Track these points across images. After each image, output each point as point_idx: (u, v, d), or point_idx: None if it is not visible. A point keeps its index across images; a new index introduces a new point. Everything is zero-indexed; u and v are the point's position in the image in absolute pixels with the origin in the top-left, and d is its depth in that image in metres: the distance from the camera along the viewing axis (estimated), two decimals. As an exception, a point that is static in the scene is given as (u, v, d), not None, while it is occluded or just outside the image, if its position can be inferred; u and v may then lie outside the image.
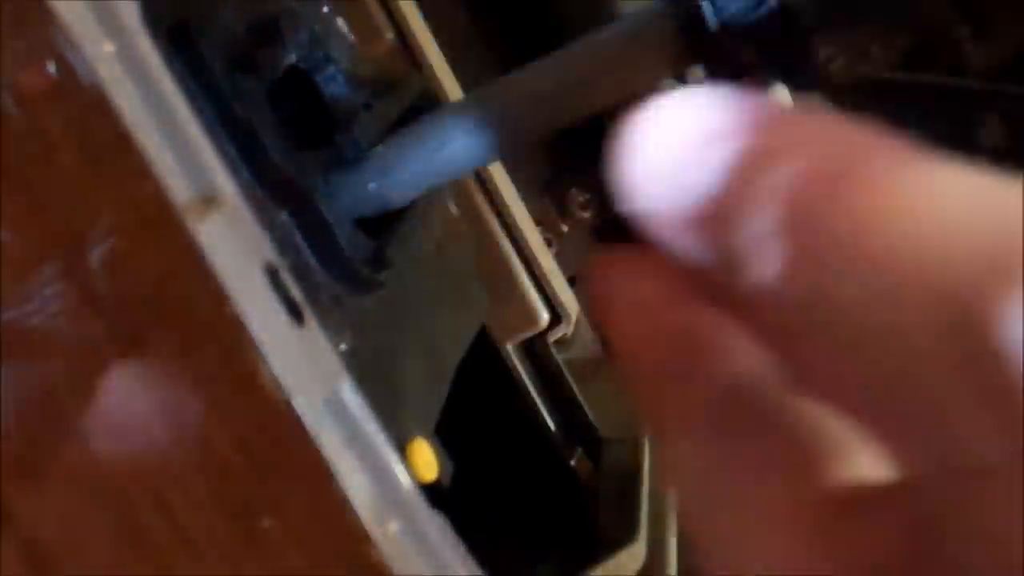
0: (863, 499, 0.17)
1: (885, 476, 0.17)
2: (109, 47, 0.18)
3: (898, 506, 0.16)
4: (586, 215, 0.49)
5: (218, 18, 0.25)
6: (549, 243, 0.48)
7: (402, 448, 0.25)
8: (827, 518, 0.17)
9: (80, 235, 0.18)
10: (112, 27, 0.18)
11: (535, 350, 0.43)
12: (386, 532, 0.19)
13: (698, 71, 0.25)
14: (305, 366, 0.18)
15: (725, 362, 0.18)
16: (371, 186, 0.26)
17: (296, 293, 0.19)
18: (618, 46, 0.25)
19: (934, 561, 0.16)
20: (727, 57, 0.22)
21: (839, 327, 0.16)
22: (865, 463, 0.17)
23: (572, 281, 0.48)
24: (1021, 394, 0.14)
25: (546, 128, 0.26)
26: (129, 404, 0.18)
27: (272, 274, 0.19)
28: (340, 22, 0.32)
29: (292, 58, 0.27)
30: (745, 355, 0.18)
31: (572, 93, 0.25)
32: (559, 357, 0.43)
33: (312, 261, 0.25)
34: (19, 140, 0.18)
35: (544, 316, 0.42)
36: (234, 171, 0.22)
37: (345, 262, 0.25)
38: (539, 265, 0.42)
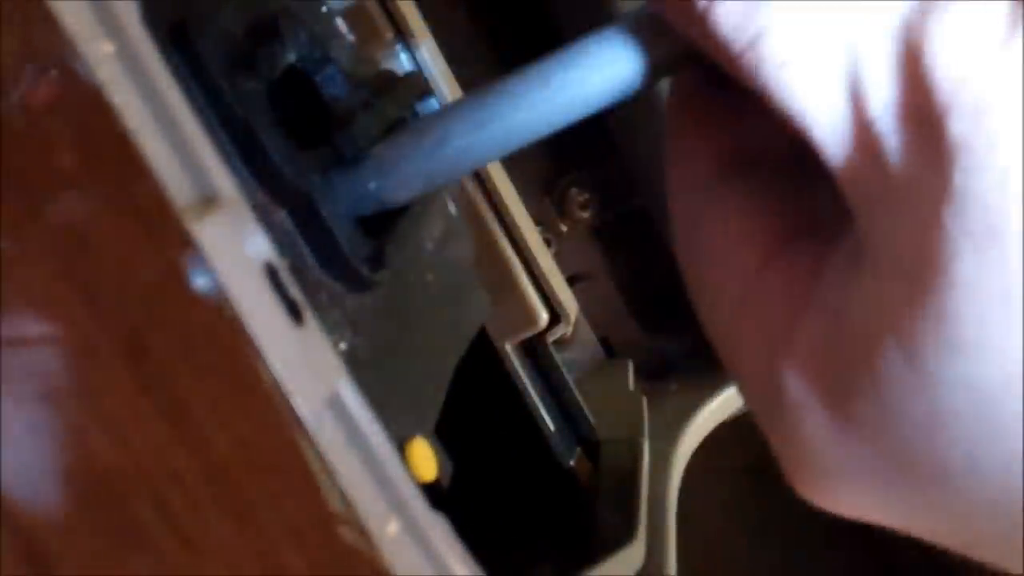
0: (798, 241, 0.23)
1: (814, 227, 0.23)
2: (109, 47, 0.18)
3: (820, 245, 0.22)
4: (586, 215, 0.49)
5: (218, 18, 0.25)
6: (549, 243, 0.48)
7: (402, 448, 0.25)
8: (775, 246, 0.23)
9: (80, 236, 0.18)
10: (112, 27, 0.18)
11: (534, 350, 0.43)
12: (386, 532, 0.19)
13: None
14: (305, 366, 0.18)
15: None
16: (371, 186, 0.26)
17: (296, 293, 0.19)
18: (616, 45, 0.25)
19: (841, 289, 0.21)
20: None
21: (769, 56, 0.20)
22: (806, 212, 0.23)
23: (572, 281, 0.48)
24: (942, 112, 0.19)
25: (546, 128, 0.26)
26: (128, 404, 0.18)
27: (272, 274, 0.19)
28: (340, 22, 0.32)
29: (291, 58, 0.27)
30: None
31: (573, 92, 0.25)
32: (558, 357, 0.43)
33: (312, 261, 0.25)
34: (19, 140, 0.18)
35: (543, 316, 0.42)
36: (234, 171, 0.22)
37: (345, 262, 0.25)
38: (538, 265, 0.42)
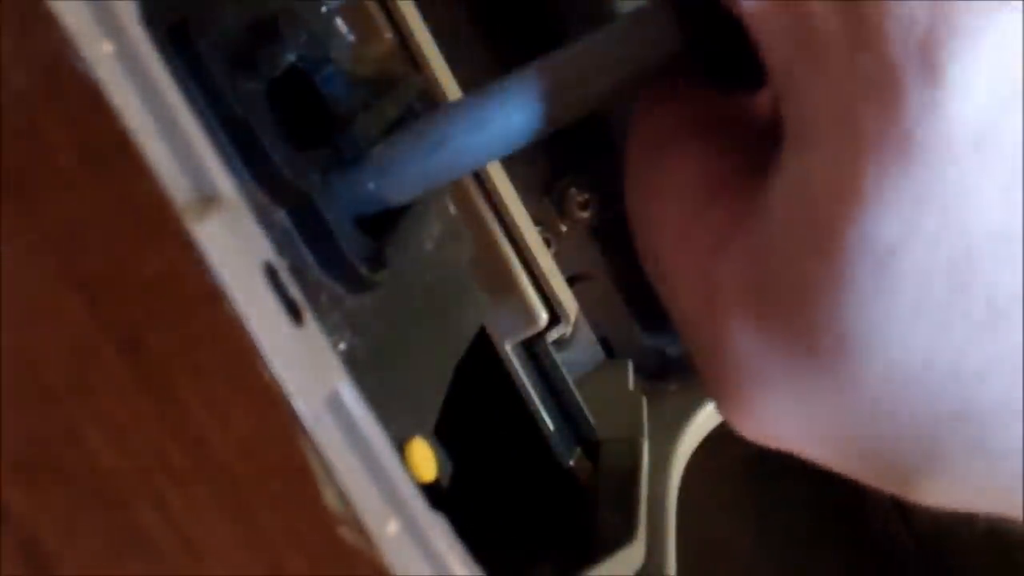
0: (736, 184, 0.23)
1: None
2: (108, 47, 0.18)
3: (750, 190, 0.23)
4: (585, 215, 0.49)
5: (218, 18, 0.25)
6: (548, 243, 0.48)
7: (401, 448, 0.25)
8: (714, 189, 0.24)
9: (79, 235, 0.18)
10: (111, 27, 0.18)
11: (534, 350, 0.42)
12: (386, 532, 0.19)
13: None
14: (305, 366, 0.18)
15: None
16: (370, 186, 0.26)
17: (295, 293, 0.19)
18: (619, 42, 0.25)
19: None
20: (728, 41, 0.22)
21: None
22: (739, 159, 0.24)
23: (571, 281, 0.48)
24: None
25: (546, 127, 0.26)
26: (127, 403, 0.18)
27: (271, 274, 0.19)
28: (339, 22, 0.32)
29: (291, 58, 0.27)
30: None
31: (572, 91, 0.25)
32: (558, 357, 0.43)
33: (311, 261, 0.25)
34: (18, 140, 0.18)
35: (543, 316, 0.42)
36: (233, 171, 0.22)
37: (344, 262, 0.25)
38: (538, 265, 0.42)
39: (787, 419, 0.22)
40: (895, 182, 0.19)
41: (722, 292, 0.22)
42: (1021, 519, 0.22)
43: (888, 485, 0.23)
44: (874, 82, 0.19)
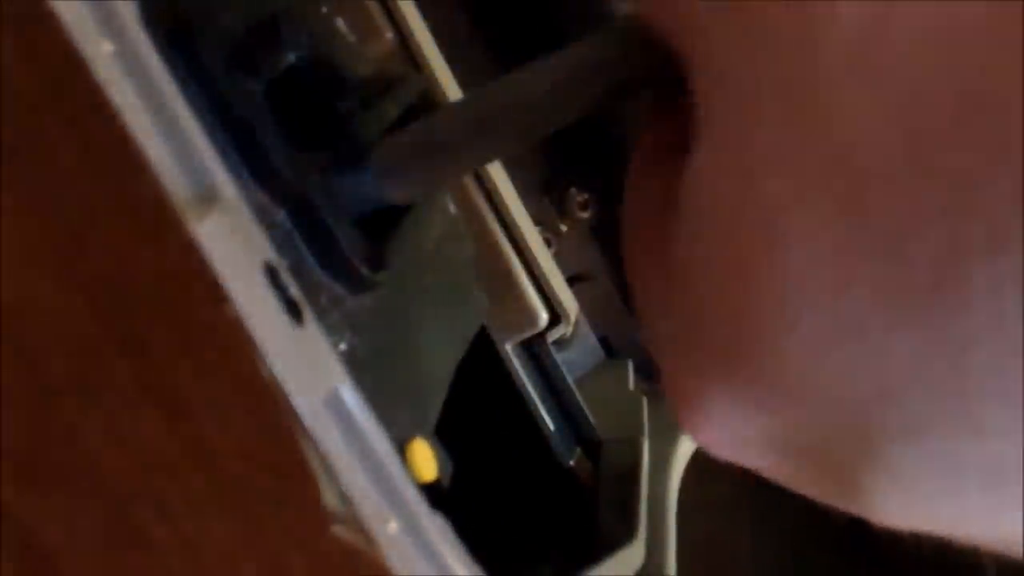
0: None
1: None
2: (108, 47, 0.18)
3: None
4: (586, 215, 0.49)
5: (217, 18, 0.25)
6: (548, 243, 0.48)
7: (402, 448, 0.25)
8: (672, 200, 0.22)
9: (80, 235, 0.18)
10: (111, 27, 0.18)
11: (534, 350, 0.42)
12: (386, 532, 0.19)
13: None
14: (305, 366, 0.18)
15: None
16: (370, 186, 0.26)
17: (295, 293, 0.19)
18: (618, 43, 0.25)
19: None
20: None
21: None
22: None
23: (571, 281, 0.48)
24: None
25: (546, 127, 0.26)
26: (128, 403, 0.18)
27: (271, 274, 0.19)
28: (340, 22, 0.32)
29: (291, 58, 0.27)
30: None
31: (572, 91, 0.25)
32: (558, 357, 0.43)
33: (311, 261, 0.25)
34: (19, 140, 0.18)
35: (543, 316, 0.42)
36: (234, 171, 0.22)
37: (344, 262, 0.25)
38: (538, 265, 0.42)
39: (727, 423, 0.21)
40: (775, 132, 0.18)
41: (666, 291, 0.22)
42: (972, 538, 0.20)
43: (839, 496, 0.21)
44: (752, 39, 0.18)
